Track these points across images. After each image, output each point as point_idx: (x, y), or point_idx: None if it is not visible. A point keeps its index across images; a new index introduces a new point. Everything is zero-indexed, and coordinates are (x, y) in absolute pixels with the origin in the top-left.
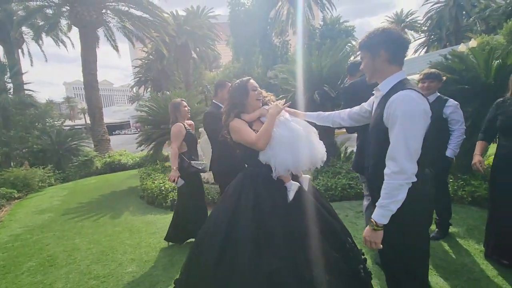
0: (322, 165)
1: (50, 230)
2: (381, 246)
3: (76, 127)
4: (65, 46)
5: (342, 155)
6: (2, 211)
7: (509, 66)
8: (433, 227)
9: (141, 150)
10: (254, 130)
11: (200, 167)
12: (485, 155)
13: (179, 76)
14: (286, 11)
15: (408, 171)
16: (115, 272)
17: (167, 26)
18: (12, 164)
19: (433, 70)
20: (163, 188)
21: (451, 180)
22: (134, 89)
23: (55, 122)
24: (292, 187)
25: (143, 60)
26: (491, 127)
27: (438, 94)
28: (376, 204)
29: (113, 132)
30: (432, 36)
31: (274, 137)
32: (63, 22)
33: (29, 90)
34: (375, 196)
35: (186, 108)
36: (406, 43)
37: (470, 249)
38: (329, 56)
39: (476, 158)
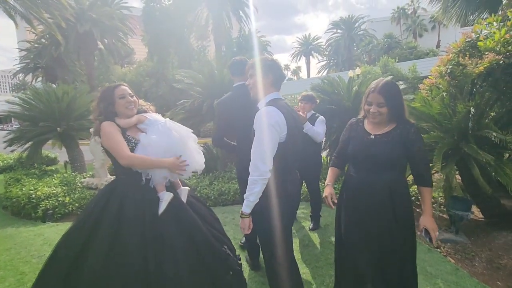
0: (200, 172)
1: None
2: (249, 231)
3: None
4: None
5: None
6: None
7: (363, 93)
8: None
9: (11, 151)
10: (128, 135)
11: None
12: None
13: (81, 68)
14: (206, 16)
15: (261, 169)
16: None
17: (63, 9)
18: None
19: (310, 93)
20: (33, 195)
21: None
22: (20, 76)
23: None
24: (165, 197)
25: (32, 44)
26: (345, 151)
27: (313, 112)
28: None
29: None
30: (332, 60)
31: (151, 144)
32: None
33: None
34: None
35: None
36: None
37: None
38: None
39: (327, 190)
